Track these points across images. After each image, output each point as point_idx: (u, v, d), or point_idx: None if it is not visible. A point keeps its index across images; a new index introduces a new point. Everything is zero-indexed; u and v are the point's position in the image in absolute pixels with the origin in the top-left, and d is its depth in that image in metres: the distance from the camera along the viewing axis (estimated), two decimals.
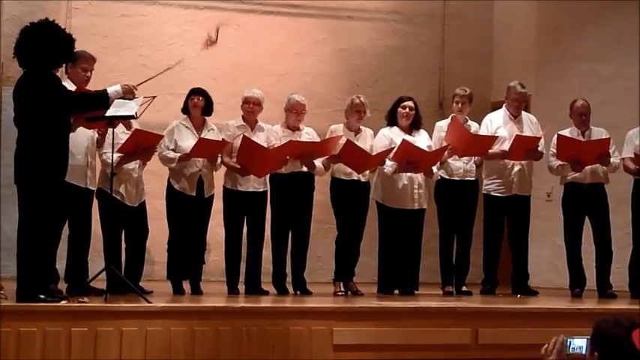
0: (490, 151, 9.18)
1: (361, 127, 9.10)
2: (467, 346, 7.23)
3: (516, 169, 9.30)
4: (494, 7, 12.69)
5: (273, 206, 8.91)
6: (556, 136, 9.31)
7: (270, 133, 8.92)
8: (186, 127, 8.71)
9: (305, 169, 8.81)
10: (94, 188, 8.18)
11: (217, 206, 8.83)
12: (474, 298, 9.03)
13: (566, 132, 9.39)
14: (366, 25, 12.27)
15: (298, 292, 8.84)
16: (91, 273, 7.89)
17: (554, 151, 9.29)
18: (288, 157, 8.66)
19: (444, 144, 9.11)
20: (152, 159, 8.60)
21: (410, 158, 8.83)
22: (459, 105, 9.30)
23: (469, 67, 12.23)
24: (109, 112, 7.22)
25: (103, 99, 7.14)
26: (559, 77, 11.29)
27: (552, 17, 11.54)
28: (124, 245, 8.53)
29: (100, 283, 7.63)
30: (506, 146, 9.16)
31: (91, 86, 7.93)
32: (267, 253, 8.96)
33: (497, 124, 9.39)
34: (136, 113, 7.25)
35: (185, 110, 8.79)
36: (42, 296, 6.58)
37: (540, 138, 9.30)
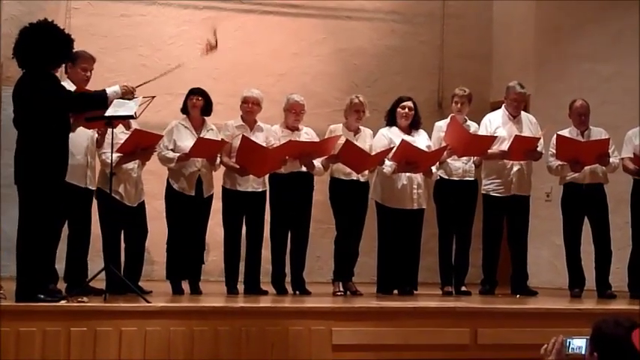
0: (489, 151, 9.18)
1: (360, 127, 9.10)
2: (466, 346, 7.23)
3: (515, 169, 9.30)
4: (494, 7, 12.68)
5: (273, 206, 8.91)
6: (555, 136, 9.31)
7: (270, 133, 8.92)
8: (185, 127, 8.71)
9: (304, 169, 8.80)
10: (93, 188, 8.18)
11: (216, 206, 8.83)
12: (473, 298, 9.03)
13: (565, 132, 9.39)
14: (366, 25, 12.27)
15: (297, 292, 8.84)
16: (91, 273, 7.90)
17: (554, 151, 9.29)
18: (287, 157, 8.66)
19: (443, 144, 9.11)
20: (151, 159, 8.60)
21: (409, 158, 8.83)
22: (459, 105, 9.30)
23: (468, 67, 12.22)
24: (109, 112, 7.22)
25: (101, 99, 7.15)
26: (558, 77, 11.29)
27: (552, 17, 11.54)
28: (123, 245, 8.53)
29: (100, 283, 7.62)
30: (505, 146, 9.16)
31: (91, 86, 7.93)
32: (266, 253, 8.96)
33: (496, 124, 9.38)
34: (135, 113, 7.26)
35: (184, 110, 8.80)
36: (41, 296, 6.58)
37: (539, 138, 9.30)
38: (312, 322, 6.93)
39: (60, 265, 7.79)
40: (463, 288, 9.31)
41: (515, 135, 9.17)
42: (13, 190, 6.99)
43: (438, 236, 9.45)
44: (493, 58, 12.60)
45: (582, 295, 9.20)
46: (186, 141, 8.57)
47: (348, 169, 8.86)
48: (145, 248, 8.75)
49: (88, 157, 8.08)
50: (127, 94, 7.33)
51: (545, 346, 3.93)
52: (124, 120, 7.84)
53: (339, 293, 8.83)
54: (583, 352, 3.85)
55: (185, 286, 8.63)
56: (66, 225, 7.94)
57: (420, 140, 9.12)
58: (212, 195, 8.76)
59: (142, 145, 8.29)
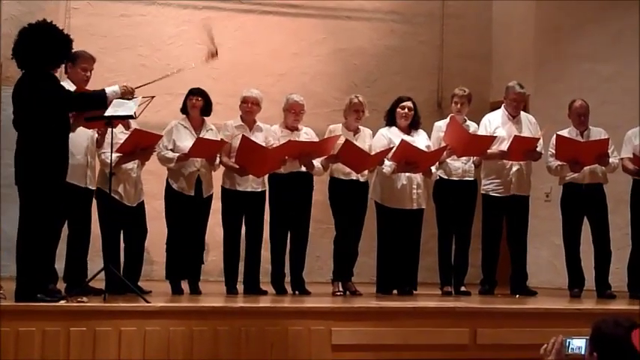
0: (489, 151, 9.17)
1: (360, 126, 9.10)
2: (465, 346, 7.23)
3: (515, 169, 9.30)
4: (493, 7, 12.68)
5: (272, 206, 8.91)
6: (555, 136, 9.31)
7: (269, 133, 8.93)
8: (185, 127, 8.71)
9: (304, 169, 8.81)
10: (93, 188, 8.18)
11: (216, 206, 8.83)
12: (472, 298, 9.03)
13: (564, 132, 9.39)
14: (365, 25, 12.27)
15: (297, 292, 8.83)
16: (90, 273, 7.89)
17: (553, 151, 9.29)
18: (286, 157, 8.66)
19: (443, 144, 9.11)
20: (151, 159, 8.60)
21: (409, 158, 8.83)
22: (458, 105, 9.30)
23: (468, 67, 12.23)
24: (108, 112, 7.23)
25: (101, 99, 7.15)
26: (558, 77, 11.29)
27: (551, 17, 11.54)
28: (122, 245, 8.53)
29: (99, 283, 7.62)
30: (504, 146, 9.15)
31: (91, 86, 7.93)
32: (265, 253, 8.96)
33: (495, 124, 9.38)
34: (134, 113, 7.27)
35: (184, 110, 8.80)
36: (40, 296, 6.57)
37: (539, 138, 9.30)
38: (311, 322, 6.93)
39: (60, 265, 7.79)
40: (462, 288, 9.31)
41: (515, 135, 9.17)
42: (13, 190, 6.99)
43: (437, 236, 9.45)
44: (493, 58, 12.60)
45: (582, 295, 9.21)
46: (186, 141, 8.57)
47: (348, 169, 8.86)
48: (145, 248, 8.75)
49: (88, 156, 8.08)
50: (127, 94, 7.33)
51: (545, 346, 3.93)
52: (124, 120, 7.83)
53: (338, 293, 8.83)
54: (582, 352, 3.84)
55: (184, 286, 8.63)
56: (66, 225, 7.94)
57: (420, 140, 9.12)
58: (212, 195, 8.76)
59: (141, 145, 8.29)
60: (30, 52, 6.83)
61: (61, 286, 7.78)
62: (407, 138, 8.95)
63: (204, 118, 8.80)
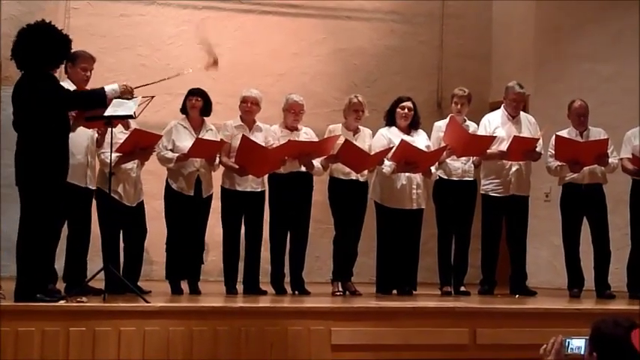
0: (488, 151, 9.17)
1: (359, 126, 9.10)
2: (465, 346, 7.23)
3: (514, 169, 9.30)
4: (493, 7, 12.68)
5: (272, 206, 8.91)
6: (554, 137, 9.32)
7: (269, 133, 8.93)
8: (184, 127, 8.71)
9: (303, 169, 8.81)
10: (94, 188, 8.17)
11: (216, 206, 8.84)
12: (472, 298, 9.03)
13: (564, 132, 9.39)
14: (365, 25, 12.27)
15: (296, 292, 8.83)
16: (90, 273, 7.89)
17: (553, 151, 9.29)
18: (286, 157, 8.66)
19: (443, 144, 9.11)
20: (150, 159, 8.60)
21: (408, 158, 8.83)
22: (459, 106, 9.29)
23: (468, 67, 12.23)
24: (108, 112, 7.23)
25: (100, 97, 7.14)
26: (558, 77, 11.29)
27: (551, 17, 11.54)
28: (122, 245, 8.53)
29: (99, 283, 7.62)
30: (504, 146, 9.15)
31: (91, 86, 7.92)
32: (265, 253, 8.96)
33: (495, 124, 9.38)
34: (134, 113, 7.26)
35: (183, 110, 8.80)
36: (39, 296, 6.57)
37: (538, 139, 9.30)
38: (311, 322, 6.92)
39: (59, 265, 7.79)
40: (462, 288, 9.30)
41: (514, 135, 9.17)
42: (12, 190, 6.99)
43: (437, 236, 9.44)
44: (492, 58, 12.60)
45: (581, 296, 9.21)
46: (185, 141, 8.57)
47: (348, 169, 8.86)
48: (144, 248, 8.76)
49: (89, 156, 8.08)
50: (126, 93, 7.33)
51: (545, 346, 3.93)
52: (123, 120, 7.83)
53: (338, 293, 8.83)
54: (582, 353, 3.84)
55: (184, 286, 8.63)
56: (65, 224, 7.94)
57: (420, 140, 9.12)
58: (211, 195, 8.76)
59: (141, 145, 8.30)
60: (29, 53, 6.84)
61: (60, 286, 7.77)
62: (407, 138, 8.95)
63: (204, 118, 8.80)
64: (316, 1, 12.02)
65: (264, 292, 8.71)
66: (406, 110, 9.12)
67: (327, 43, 12.11)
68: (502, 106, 9.52)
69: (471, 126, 9.40)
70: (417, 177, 9.05)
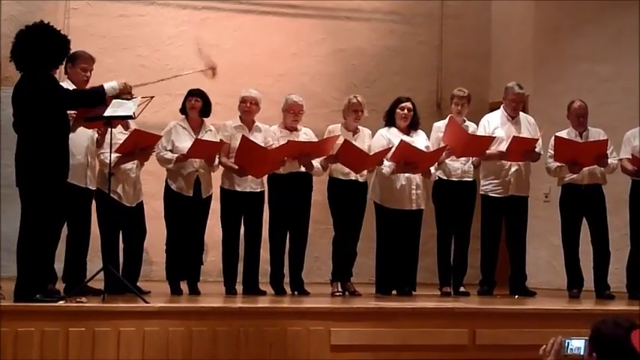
0: (488, 151, 9.17)
1: (359, 127, 9.09)
2: (464, 346, 7.23)
3: (513, 169, 9.30)
4: (492, 7, 12.68)
5: (271, 206, 8.91)
6: (553, 137, 9.32)
7: (268, 134, 8.93)
8: (184, 128, 8.71)
9: (303, 169, 8.80)
10: (94, 188, 8.17)
11: (215, 206, 8.83)
12: (471, 298, 9.02)
13: (563, 133, 9.39)
14: (364, 25, 12.27)
15: (296, 293, 8.83)
16: (89, 273, 7.88)
17: (552, 152, 9.29)
18: (286, 157, 8.66)
19: (442, 144, 9.11)
20: (150, 159, 8.60)
21: (408, 159, 8.83)
22: (459, 107, 9.29)
23: (467, 68, 12.23)
24: (107, 113, 7.23)
25: (99, 95, 7.14)
26: (557, 78, 11.28)
27: (550, 17, 11.53)
28: (121, 245, 8.53)
29: (98, 283, 7.62)
30: (503, 147, 9.15)
31: (90, 87, 7.92)
32: (264, 253, 8.96)
33: (494, 124, 9.38)
34: (133, 113, 7.27)
35: (183, 111, 8.80)
36: (39, 296, 6.57)
37: (537, 139, 9.30)
38: (310, 323, 6.92)
39: (59, 265, 7.78)
40: (462, 288, 9.30)
41: (513, 136, 9.16)
42: (12, 190, 7.00)
43: (436, 237, 9.43)
44: (492, 58, 12.60)
45: (581, 296, 9.21)
46: (185, 142, 8.57)
47: (347, 169, 8.86)
48: (144, 248, 8.76)
49: (89, 157, 8.07)
50: (125, 90, 7.33)
51: (544, 346, 3.93)
52: (123, 120, 7.84)
53: (337, 294, 8.83)
54: (582, 353, 3.84)
55: (183, 286, 8.62)
56: (65, 225, 7.93)
57: (419, 141, 9.11)
58: (211, 195, 8.76)
59: (140, 145, 8.30)
60: (28, 54, 6.84)
61: (60, 286, 7.77)
62: (406, 138, 8.95)
63: (204, 119, 8.80)
64: (315, 2, 12.02)
65: (264, 293, 8.71)
66: (406, 111, 9.11)
67: (326, 44, 12.11)
68: (501, 107, 9.52)
69: (471, 126, 9.40)
70: (417, 177, 9.05)
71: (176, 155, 8.53)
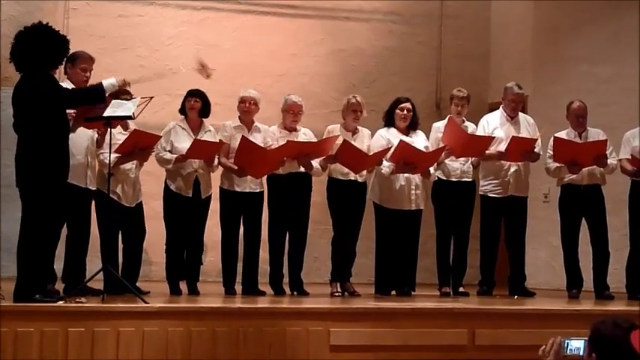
0: (487, 152, 9.17)
1: (358, 127, 9.09)
2: (464, 347, 7.22)
3: (513, 170, 9.30)
4: (492, 7, 12.69)
5: (271, 207, 8.91)
6: (552, 138, 9.32)
7: (267, 134, 8.93)
8: (183, 128, 8.72)
9: (302, 169, 8.80)
10: (93, 188, 8.16)
11: (214, 207, 8.83)
12: (471, 299, 9.03)
13: (562, 134, 9.39)
14: (364, 25, 12.27)
15: (295, 293, 8.83)
16: (89, 273, 7.88)
17: (552, 152, 9.29)
18: (285, 157, 8.66)
19: (441, 145, 9.11)
20: (149, 159, 8.60)
21: (407, 159, 8.82)
22: (459, 107, 9.29)
23: (466, 68, 12.24)
24: (107, 113, 7.24)
25: (98, 92, 7.13)
26: (556, 79, 11.29)
27: (550, 17, 11.54)
28: (121, 246, 8.52)
29: (98, 284, 7.62)
30: (502, 147, 9.15)
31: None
32: (264, 253, 8.96)
33: (493, 125, 9.38)
34: (133, 114, 7.28)
35: (182, 111, 8.80)
36: (37, 296, 6.57)
37: (536, 139, 9.30)
38: (309, 323, 6.92)
39: (58, 266, 7.78)
40: (461, 289, 9.30)
41: (513, 136, 9.16)
42: (12, 190, 6.99)
43: (435, 237, 9.43)
44: (491, 58, 12.61)
45: (580, 296, 9.21)
46: (184, 142, 8.57)
47: (346, 170, 8.86)
48: (143, 249, 8.75)
49: (88, 157, 8.07)
50: (124, 88, 7.34)
51: (543, 347, 3.93)
52: (122, 120, 7.84)
53: (336, 294, 8.83)
54: (581, 354, 3.84)
55: (183, 286, 8.62)
56: (65, 225, 7.93)
57: (418, 141, 9.11)
58: (210, 196, 8.76)
59: (140, 146, 8.29)
60: (27, 55, 6.85)
61: (59, 286, 7.78)
62: (405, 139, 8.95)
63: (203, 119, 8.80)
64: (314, 2, 12.02)
65: (263, 293, 8.71)
66: (405, 111, 9.11)
67: (325, 44, 12.11)
68: (501, 107, 9.52)
69: (470, 127, 9.40)
70: (416, 178, 9.05)
71: (175, 156, 8.53)
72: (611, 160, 9.23)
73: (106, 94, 7.15)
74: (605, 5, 10.94)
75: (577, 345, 3.87)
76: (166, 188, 8.67)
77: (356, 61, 12.19)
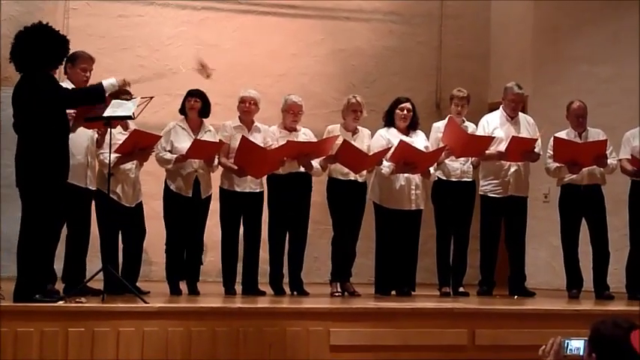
0: (487, 152, 9.17)
1: (358, 127, 9.09)
2: (464, 347, 7.22)
3: (512, 170, 9.29)
4: (492, 8, 12.69)
5: (271, 207, 8.91)
6: (552, 138, 9.32)
7: (267, 134, 8.92)
8: (183, 128, 8.72)
9: (302, 169, 8.80)
10: (94, 188, 8.16)
11: (214, 207, 8.83)
12: (471, 299, 9.02)
13: (562, 134, 9.39)
14: (364, 25, 12.27)
15: (295, 293, 8.83)
16: (89, 273, 7.88)
17: (552, 152, 9.29)
18: (285, 157, 8.66)
19: (441, 145, 9.11)
20: (149, 159, 8.59)
21: (407, 159, 8.82)
22: (459, 108, 9.28)
23: (466, 68, 12.24)
24: (107, 113, 7.24)
25: (98, 92, 7.13)
26: (556, 79, 11.29)
27: (550, 17, 11.54)
28: (121, 246, 8.52)
29: (98, 284, 7.62)
30: (502, 147, 9.15)
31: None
32: (264, 253, 8.95)
33: (493, 125, 9.38)
34: (133, 114, 7.28)
35: (182, 111, 8.80)
36: (37, 296, 6.57)
37: (536, 139, 9.30)
38: (309, 323, 6.92)
39: (58, 266, 7.78)
40: (461, 289, 9.30)
41: (512, 136, 9.16)
42: (12, 190, 6.99)
43: (435, 237, 9.43)
44: (491, 58, 12.61)
45: (580, 296, 9.21)
46: (184, 142, 8.57)
47: (346, 170, 8.85)
48: (143, 249, 8.75)
49: (89, 157, 8.07)
50: (124, 89, 7.34)
51: (543, 347, 3.93)
52: (122, 120, 7.85)
53: (336, 294, 8.83)
54: (581, 354, 3.84)
55: (183, 286, 8.62)
56: (65, 225, 7.93)
57: (418, 141, 9.11)
58: (210, 196, 8.76)
59: (140, 146, 8.29)
60: (27, 55, 6.85)
61: (59, 286, 7.78)
62: (405, 139, 8.95)
63: (203, 119, 8.80)
64: (315, 2, 12.02)
65: (263, 293, 8.71)
66: (405, 111, 9.11)
67: (325, 44, 12.11)
68: (501, 107, 9.52)
69: (470, 127, 9.40)
70: (416, 178, 9.05)
71: (175, 156, 8.53)
72: (611, 160, 9.23)
73: (106, 94, 7.14)
74: (605, 5, 10.94)
75: (577, 345, 3.87)
76: (166, 188, 8.67)
77: (356, 61, 12.19)
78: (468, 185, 9.34)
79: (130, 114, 7.27)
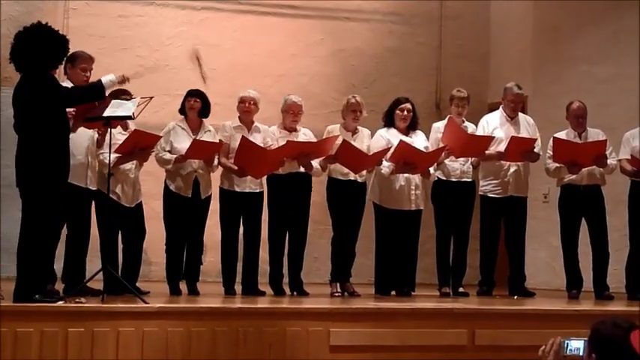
0: (487, 152, 9.17)
1: (358, 127, 9.09)
2: (464, 347, 7.22)
3: (512, 170, 9.29)
4: (492, 8, 12.69)
5: (271, 207, 8.90)
6: (552, 138, 9.31)
7: (267, 134, 8.92)
8: (183, 128, 8.72)
9: (302, 169, 8.80)
10: (94, 188, 8.15)
11: (214, 207, 8.83)
12: (470, 299, 9.02)
13: (562, 134, 9.39)
14: (364, 26, 12.27)
15: (295, 293, 8.83)
16: (89, 273, 7.88)
17: (551, 153, 9.29)
18: (285, 158, 8.66)
19: (441, 145, 9.11)
20: (149, 159, 8.59)
21: (407, 159, 8.82)
22: (458, 107, 9.28)
23: (466, 68, 12.24)
24: (107, 113, 7.25)
25: (98, 89, 7.13)
26: (556, 79, 11.29)
27: (549, 18, 11.54)
28: (120, 246, 8.52)
29: (97, 284, 7.62)
30: (502, 147, 9.15)
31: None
32: (263, 254, 8.95)
33: (493, 125, 9.38)
34: (133, 114, 7.28)
35: (182, 111, 8.80)
36: (37, 296, 6.57)
37: (536, 139, 9.30)
38: (309, 323, 6.92)
39: (58, 266, 7.78)
40: (461, 289, 9.30)
41: (512, 136, 9.16)
42: (12, 190, 7.00)
43: (435, 237, 9.43)
44: (491, 59, 12.61)
45: (580, 297, 9.21)
46: (183, 143, 8.57)
47: (346, 170, 8.86)
48: (143, 249, 8.75)
49: (89, 157, 8.06)
50: (123, 89, 7.35)
51: (543, 347, 3.92)
52: (122, 120, 7.85)
53: (336, 294, 8.83)
54: (581, 354, 3.83)
55: (183, 286, 8.62)
56: (65, 225, 7.93)
57: (418, 141, 9.11)
58: (210, 196, 8.76)
59: (140, 146, 8.29)
60: (27, 55, 6.84)
61: (59, 286, 7.78)
62: (405, 139, 8.95)
63: (203, 119, 8.80)
64: (315, 2, 12.02)
65: (263, 293, 8.70)
66: (405, 112, 9.11)
67: (325, 44, 12.11)
68: (500, 107, 9.52)
69: (470, 127, 9.40)
70: (416, 178, 9.05)
71: (175, 156, 8.53)
72: (611, 161, 9.23)
73: (106, 91, 7.15)
74: (605, 5, 10.94)
75: (577, 345, 3.87)
76: (166, 188, 8.67)
77: (356, 62, 12.19)
78: (467, 185, 9.34)
79: (130, 114, 7.27)
